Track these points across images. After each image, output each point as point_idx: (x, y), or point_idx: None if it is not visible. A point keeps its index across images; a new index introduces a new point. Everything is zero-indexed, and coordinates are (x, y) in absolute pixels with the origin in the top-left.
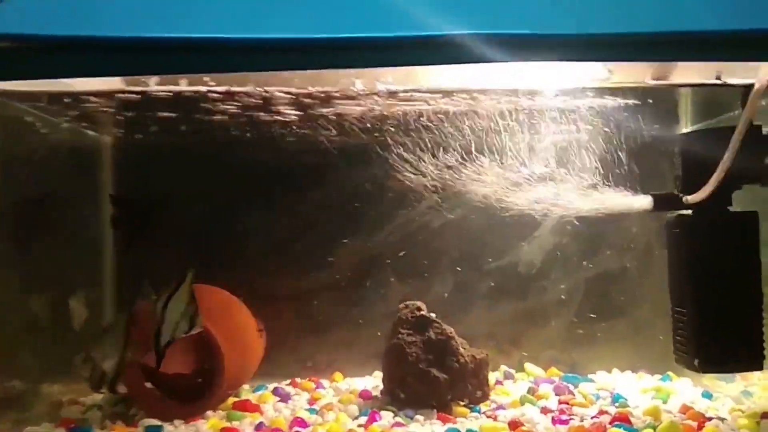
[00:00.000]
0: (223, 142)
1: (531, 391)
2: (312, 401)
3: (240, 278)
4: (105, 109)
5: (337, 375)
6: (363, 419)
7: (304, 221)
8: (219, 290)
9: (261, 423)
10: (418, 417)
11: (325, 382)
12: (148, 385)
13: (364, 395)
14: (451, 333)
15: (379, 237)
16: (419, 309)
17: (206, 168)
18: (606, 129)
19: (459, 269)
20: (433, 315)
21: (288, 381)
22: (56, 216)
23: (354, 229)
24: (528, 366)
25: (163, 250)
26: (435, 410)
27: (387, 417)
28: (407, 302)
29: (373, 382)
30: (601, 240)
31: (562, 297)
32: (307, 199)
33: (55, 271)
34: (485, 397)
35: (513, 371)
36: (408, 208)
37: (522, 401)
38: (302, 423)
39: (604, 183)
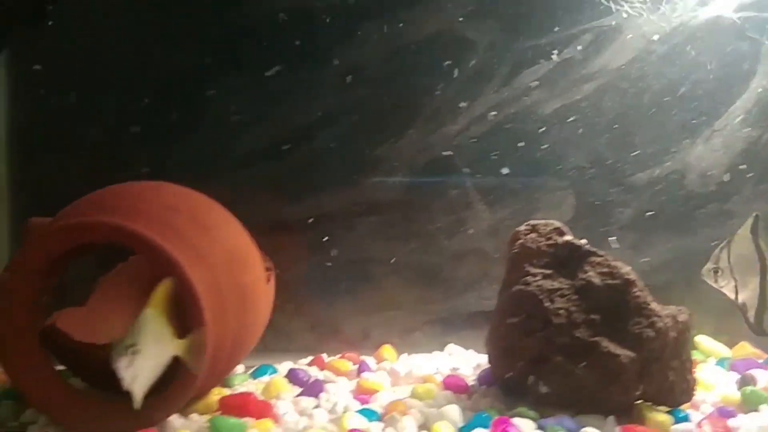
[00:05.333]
0: None
1: (747, 380)
2: (362, 394)
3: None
4: None
5: (387, 349)
6: None
7: (321, 101)
8: (195, 193)
9: None
10: (588, 430)
11: (368, 361)
12: (57, 365)
13: (453, 384)
14: (628, 274)
15: (450, 125)
16: (559, 231)
17: None
18: None
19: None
20: (585, 242)
21: (308, 358)
22: None
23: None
24: (701, 340)
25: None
26: (612, 416)
27: (527, 430)
28: (533, 222)
29: (449, 361)
30: None
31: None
32: (331, 64)
33: None
34: (689, 392)
35: None
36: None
37: (747, 400)
38: None
39: None
